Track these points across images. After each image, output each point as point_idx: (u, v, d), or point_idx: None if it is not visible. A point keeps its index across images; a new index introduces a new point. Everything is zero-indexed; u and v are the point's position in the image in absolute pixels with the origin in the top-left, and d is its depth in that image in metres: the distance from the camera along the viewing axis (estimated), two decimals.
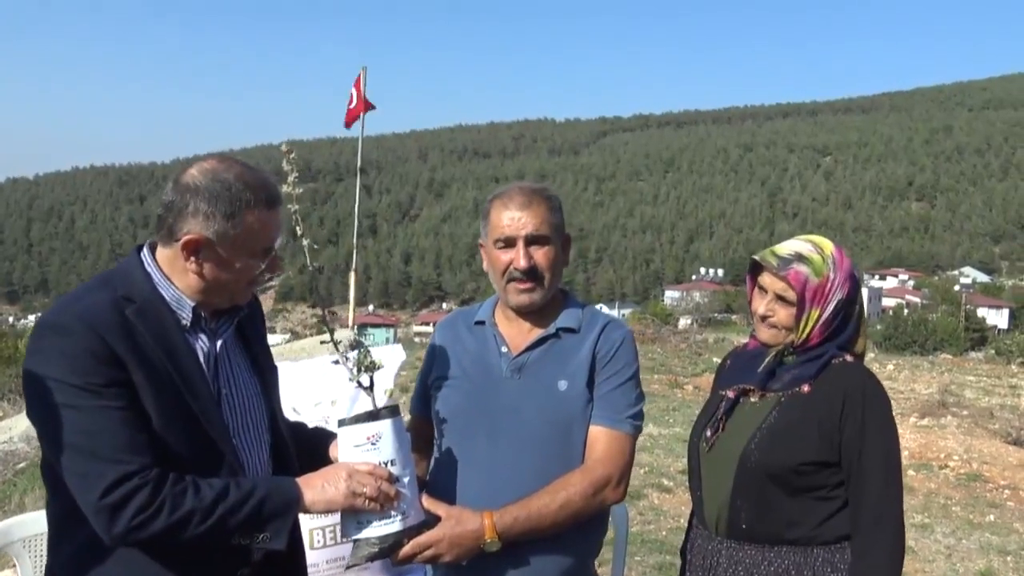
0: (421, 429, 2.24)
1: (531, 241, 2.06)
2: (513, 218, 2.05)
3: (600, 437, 2.06)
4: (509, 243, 2.07)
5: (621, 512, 2.82)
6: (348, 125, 13.06)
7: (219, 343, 1.82)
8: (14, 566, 2.09)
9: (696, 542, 2.19)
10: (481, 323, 2.19)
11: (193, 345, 1.76)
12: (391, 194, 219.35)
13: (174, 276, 1.75)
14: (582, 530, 2.06)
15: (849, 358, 2.09)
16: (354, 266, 16.32)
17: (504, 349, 2.12)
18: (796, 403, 2.04)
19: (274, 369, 2.02)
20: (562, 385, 2.07)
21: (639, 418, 2.11)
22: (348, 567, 1.95)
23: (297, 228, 1.85)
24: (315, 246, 1.88)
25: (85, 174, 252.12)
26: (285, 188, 1.82)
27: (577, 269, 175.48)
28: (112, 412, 1.59)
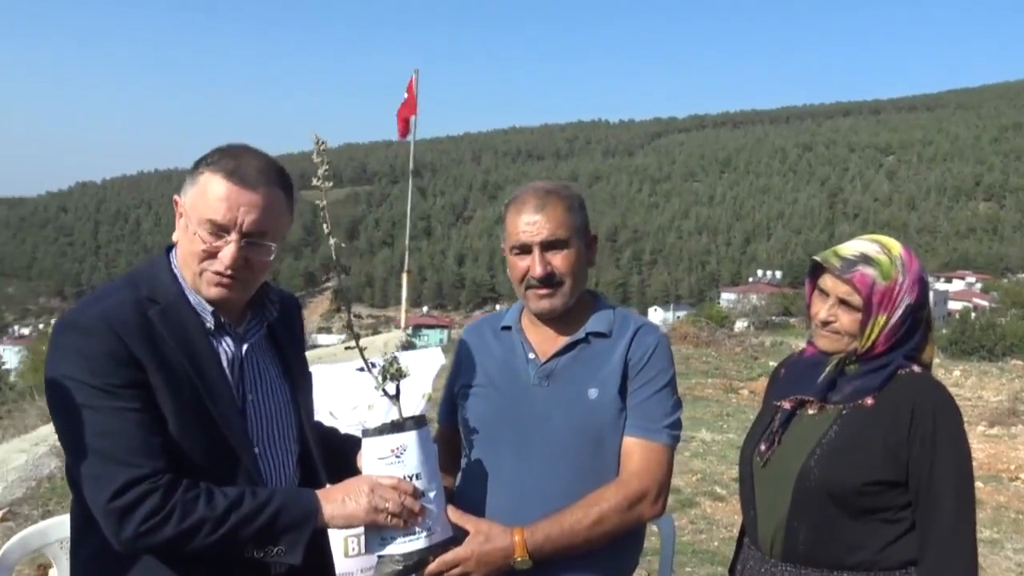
0: (448, 439, 2.16)
1: (548, 246, 1.95)
2: (528, 223, 1.95)
3: (635, 449, 1.95)
4: (525, 249, 1.97)
5: (667, 524, 2.69)
6: (402, 135, 13.05)
7: (245, 347, 1.77)
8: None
9: (748, 563, 2.06)
10: (508, 328, 2.10)
11: (217, 349, 1.72)
12: (445, 196, 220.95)
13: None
14: (617, 546, 1.96)
15: (917, 368, 1.94)
16: (406, 267, 16.40)
17: (531, 356, 2.03)
18: (859, 417, 1.89)
19: (307, 376, 1.97)
20: (592, 393, 1.96)
21: (677, 427, 2.00)
22: None
23: (324, 225, 1.76)
24: (342, 245, 1.79)
25: (150, 178, 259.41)
26: (315, 181, 1.75)
27: (632, 271, 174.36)
28: (128, 414, 1.56)
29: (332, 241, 1.77)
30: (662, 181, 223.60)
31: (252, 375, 1.78)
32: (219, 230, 1.64)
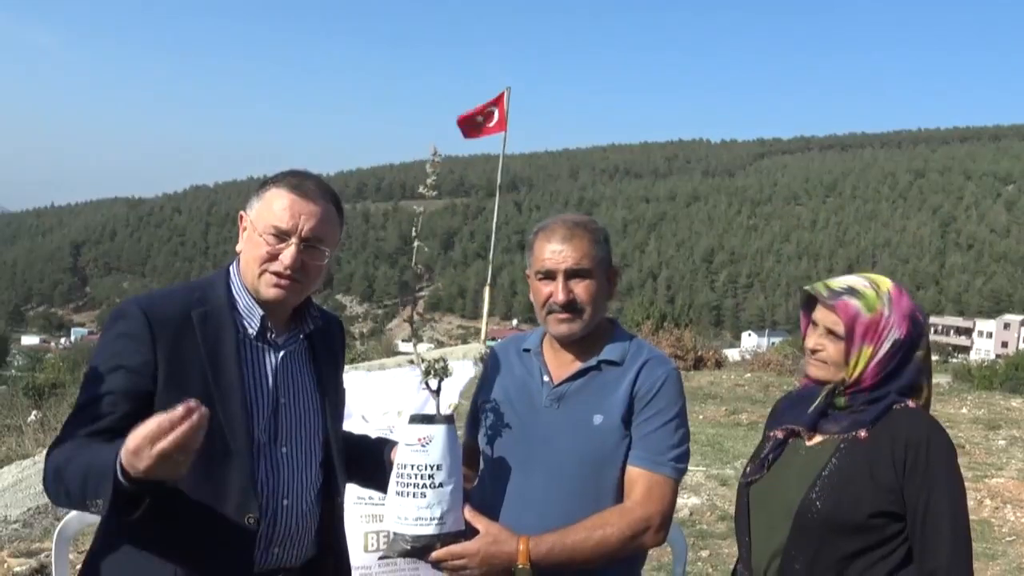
0: (471, 451, 2.26)
1: (571, 275, 2.05)
2: (555, 251, 2.05)
3: (639, 479, 2.00)
4: (550, 275, 2.06)
5: (679, 541, 2.73)
6: (467, 136, 13.19)
7: (280, 355, 1.90)
8: (84, 551, 2.17)
9: None
10: (528, 351, 2.19)
11: (248, 355, 1.84)
12: (540, 211, 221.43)
13: (240, 268, 1.90)
14: (616, 566, 2.02)
15: (912, 404, 1.96)
16: (489, 281, 16.63)
17: (546, 378, 2.10)
18: (856, 450, 1.92)
19: (340, 390, 2.09)
20: (597, 419, 2.03)
21: (682, 460, 2.04)
22: (381, 557, 2.02)
23: (414, 228, 1.95)
24: (425, 249, 1.97)
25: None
26: (421, 189, 1.96)
27: (726, 294, 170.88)
28: (112, 394, 1.69)
29: (416, 244, 1.95)
30: (763, 203, 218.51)
31: (286, 382, 1.89)
32: (282, 235, 1.82)
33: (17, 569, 4.78)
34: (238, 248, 1.89)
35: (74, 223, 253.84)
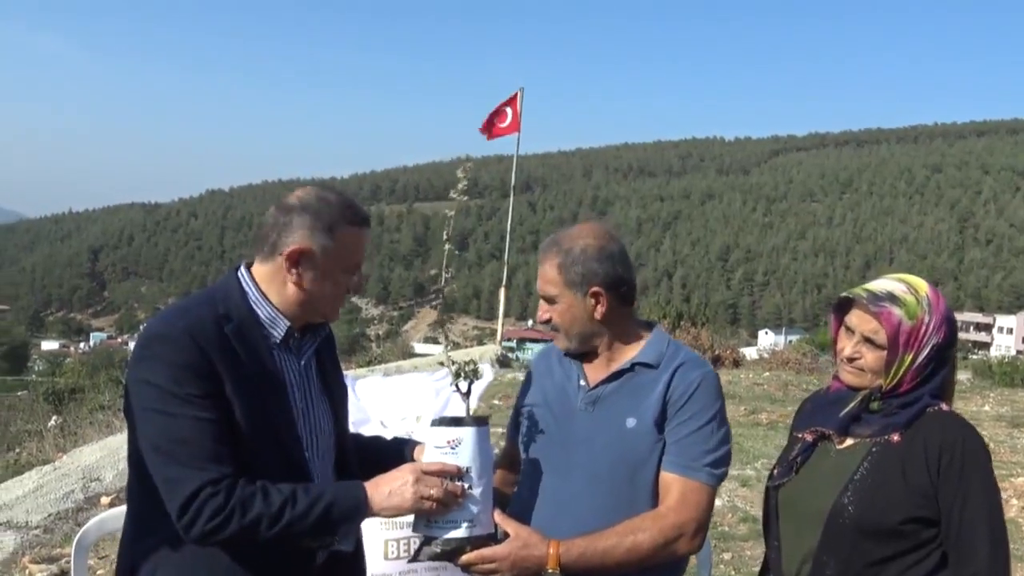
0: (511, 454, 2.31)
1: (545, 299, 2.11)
2: (539, 274, 2.13)
3: (673, 485, 1.99)
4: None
5: (704, 549, 2.63)
6: (488, 135, 13.30)
7: (302, 362, 1.95)
8: (103, 556, 2.17)
9: None
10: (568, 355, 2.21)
11: (280, 362, 1.89)
12: (554, 211, 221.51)
13: (271, 292, 1.88)
14: (650, 573, 2.00)
15: (944, 407, 1.94)
16: (504, 282, 16.63)
17: (582, 382, 2.12)
18: (889, 454, 1.90)
19: (344, 388, 2.15)
20: (630, 422, 2.03)
21: (719, 465, 2.02)
22: (411, 560, 2.06)
23: (445, 232, 1.99)
24: (457, 252, 2.01)
25: (274, 187, 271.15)
26: (452, 194, 2.02)
27: (743, 292, 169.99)
28: (202, 423, 1.71)
29: (447, 247, 2.00)
30: (778, 200, 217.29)
31: (304, 387, 1.95)
32: (359, 268, 1.94)
33: (38, 575, 4.80)
34: (294, 281, 1.87)
35: (92, 229, 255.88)
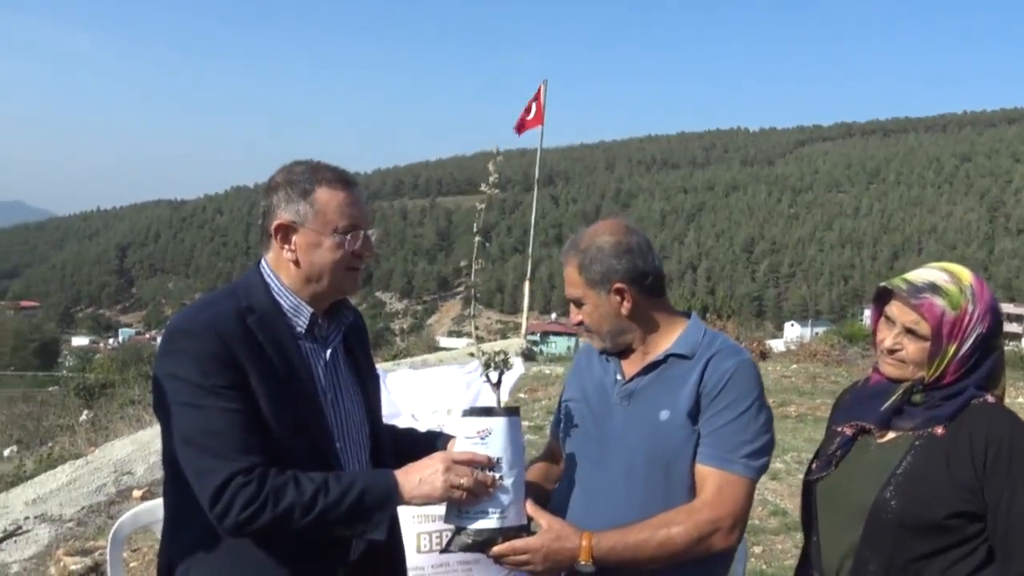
0: (553, 448, 2.32)
1: (572, 301, 2.12)
2: (564, 277, 2.13)
3: (709, 478, 1.95)
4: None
5: (739, 550, 2.58)
6: (519, 132, 13.40)
7: (329, 351, 1.94)
8: (136, 549, 2.20)
9: None
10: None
11: (306, 352, 1.88)
12: (577, 204, 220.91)
13: (284, 278, 1.88)
14: (689, 570, 1.96)
15: (990, 399, 1.88)
16: (528, 276, 16.60)
17: (619, 376, 2.11)
18: (933, 448, 1.85)
19: (376, 378, 2.12)
20: (664, 415, 1.99)
21: (758, 456, 1.96)
22: (443, 551, 2.04)
23: (475, 224, 2.04)
24: (486, 244, 2.06)
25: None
26: (483, 187, 2.05)
27: (768, 283, 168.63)
28: (230, 414, 1.71)
29: (477, 240, 2.07)
30: (804, 191, 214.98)
31: (333, 376, 1.94)
32: (355, 230, 1.87)
33: (73, 567, 4.85)
34: (289, 258, 1.87)
35: (119, 226, 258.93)
